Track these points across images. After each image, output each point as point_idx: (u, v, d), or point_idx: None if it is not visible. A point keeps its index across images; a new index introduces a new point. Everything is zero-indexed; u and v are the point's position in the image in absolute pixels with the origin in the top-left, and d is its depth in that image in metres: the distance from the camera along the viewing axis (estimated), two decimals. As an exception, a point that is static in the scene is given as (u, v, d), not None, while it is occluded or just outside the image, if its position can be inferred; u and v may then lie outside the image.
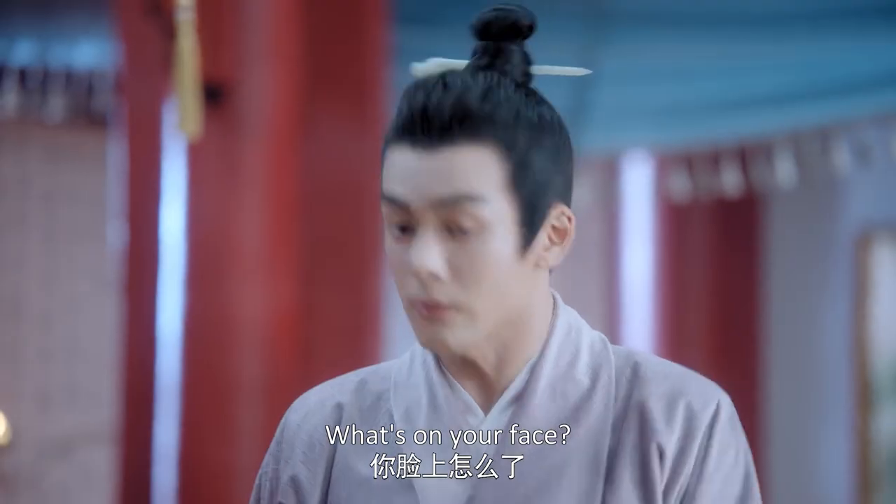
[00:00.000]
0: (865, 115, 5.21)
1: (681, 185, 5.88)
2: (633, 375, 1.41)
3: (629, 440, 1.39)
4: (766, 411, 6.35)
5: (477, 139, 1.35)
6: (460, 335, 1.37)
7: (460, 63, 1.41)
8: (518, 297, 1.39)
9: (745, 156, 5.71)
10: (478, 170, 1.35)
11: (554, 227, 1.40)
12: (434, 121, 1.35)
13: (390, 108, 4.23)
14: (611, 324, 6.50)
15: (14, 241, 5.89)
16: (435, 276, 1.35)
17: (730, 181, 5.69)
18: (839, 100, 5.05)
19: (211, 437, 3.46)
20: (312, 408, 1.46)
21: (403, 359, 1.47)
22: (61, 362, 5.92)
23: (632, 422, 1.39)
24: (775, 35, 4.72)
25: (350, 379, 1.48)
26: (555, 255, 1.40)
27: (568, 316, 1.44)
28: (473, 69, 1.40)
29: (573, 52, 4.66)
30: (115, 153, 4.08)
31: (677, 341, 6.28)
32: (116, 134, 4.09)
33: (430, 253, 1.35)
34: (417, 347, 1.46)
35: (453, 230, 1.35)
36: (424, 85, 1.37)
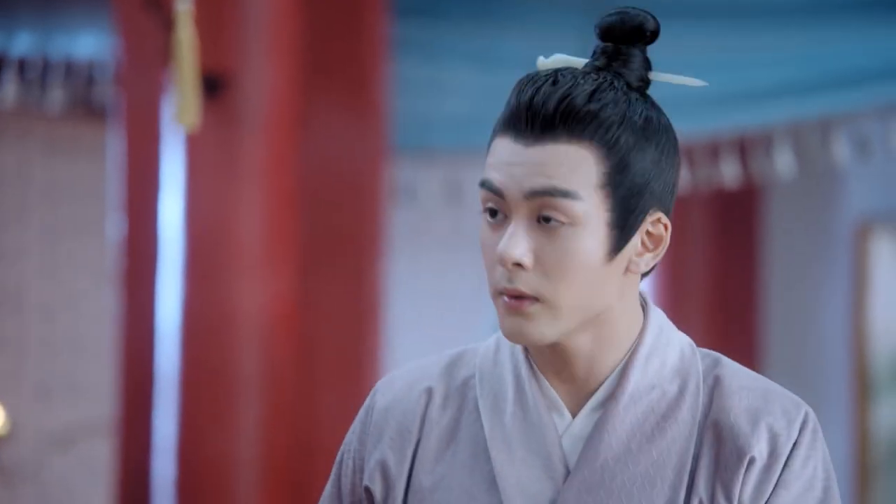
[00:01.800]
0: (865, 107, 5.20)
1: (680, 177, 5.87)
2: (716, 386, 1.41)
3: (712, 452, 1.38)
4: (766, 403, 6.34)
5: (578, 136, 1.36)
6: (542, 329, 1.36)
7: (582, 61, 1.42)
8: (603, 298, 1.38)
9: (745, 147, 5.71)
10: (575, 166, 1.35)
11: (649, 233, 1.40)
12: (538, 114, 1.36)
13: (389, 100, 4.23)
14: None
15: (14, 234, 5.89)
16: (521, 266, 1.36)
17: (729, 173, 5.69)
18: (839, 92, 5.04)
19: (210, 430, 3.46)
20: (400, 392, 1.45)
21: (488, 345, 1.46)
22: (61, 355, 5.93)
23: (714, 434, 1.39)
24: (775, 27, 4.71)
25: (437, 362, 1.47)
26: (646, 262, 1.40)
27: (658, 320, 1.44)
28: (589, 69, 1.40)
29: (573, 44, 4.65)
30: (115, 145, 4.08)
31: (677, 333, 6.28)
32: (115, 126, 4.09)
33: (518, 242, 1.36)
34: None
35: (544, 223, 1.36)
36: (535, 79, 1.38)
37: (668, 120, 1.41)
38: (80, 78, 5.15)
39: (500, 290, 1.37)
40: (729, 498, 1.37)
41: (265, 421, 3.48)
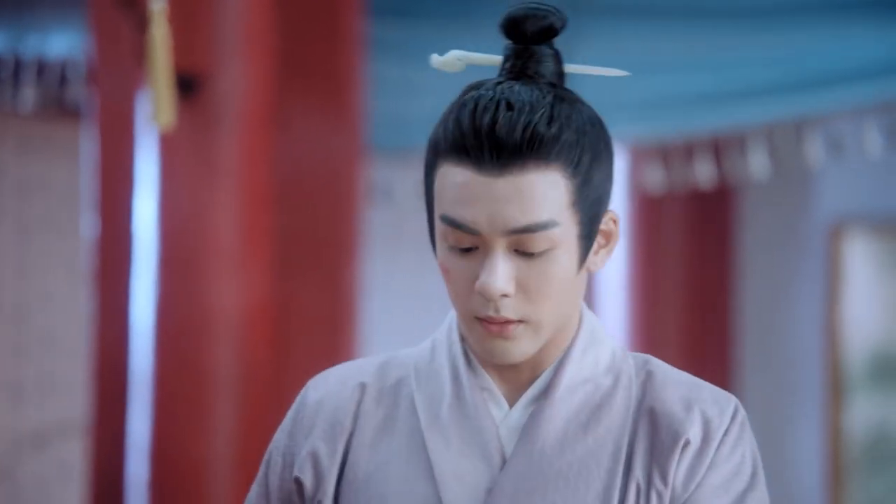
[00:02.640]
0: (839, 109, 5.23)
1: (655, 178, 5.89)
2: (648, 379, 1.44)
3: (648, 438, 1.41)
4: (740, 401, 6.36)
5: (545, 162, 1.35)
6: (524, 347, 1.39)
7: (481, 57, 1.41)
8: (574, 304, 1.42)
9: (719, 148, 5.73)
10: (547, 194, 1.36)
11: (601, 231, 1.43)
12: (504, 144, 1.33)
13: (365, 100, 4.22)
14: (585, 315, 6.51)
15: (-14, 233, 5.86)
16: (505, 296, 1.37)
17: (703, 173, 5.70)
18: (813, 93, 5.06)
19: (184, 430, 3.45)
20: (333, 387, 1.46)
21: (423, 346, 1.48)
22: (34, 354, 5.90)
23: (650, 420, 1.42)
24: (749, 28, 4.73)
25: (371, 361, 1.48)
26: (602, 259, 1.43)
27: (592, 320, 1.47)
28: (514, 77, 1.39)
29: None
30: (88, 144, 4.06)
31: (651, 332, 6.29)
32: (89, 125, 4.07)
33: (502, 275, 1.36)
34: (439, 335, 1.47)
35: (522, 251, 1.37)
36: (487, 105, 1.35)
37: (597, 112, 1.43)
38: (53, 77, 5.13)
39: (482, 318, 1.38)
40: (665, 480, 1.40)
41: (240, 421, 3.47)
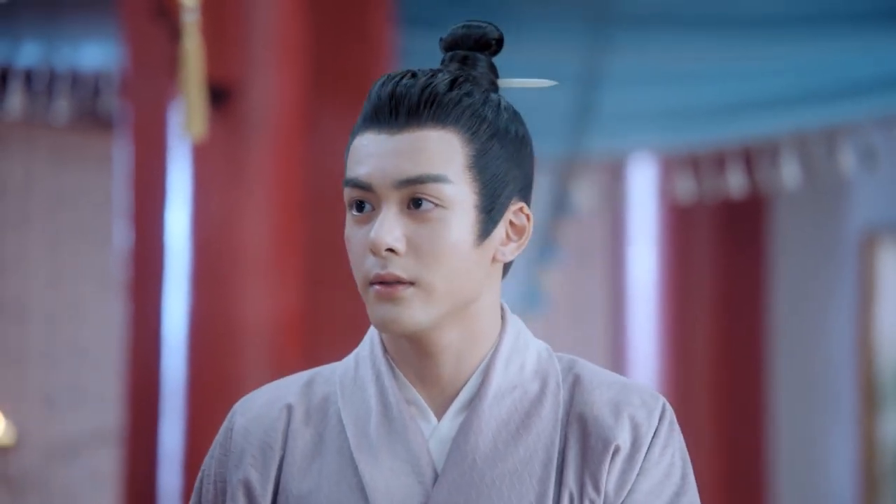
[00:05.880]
0: (871, 118, 5.20)
1: (686, 187, 5.88)
2: (576, 383, 1.44)
3: (578, 445, 1.41)
4: (772, 412, 6.34)
5: (442, 123, 1.39)
6: (415, 315, 1.39)
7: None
8: (473, 284, 1.40)
9: (750, 158, 5.71)
10: (442, 151, 1.38)
11: (512, 224, 1.43)
12: (402, 103, 1.39)
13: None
14: (616, 325, 6.49)
15: (19, 243, 5.89)
16: (394, 251, 1.38)
17: (735, 183, 5.69)
18: (844, 102, 5.05)
19: (216, 439, 3.46)
20: (260, 410, 1.46)
21: (347, 361, 1.48)
22: (66, 364, 5.93)
23: (580, 427, 1.41)
24: (780, 37, 4.72)
25: (295, 381, 1.48)
26: (511, 251, 1.43)
27: (516, 325, 1.47)
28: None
29: (578, 54, 4.65)
30: (121, 155, 4.08)
31: (683, 343, 6.27)
32: (122, 135, 4.10)
33: (391, 228, 1.38)
34: (362, 350, 1.47)
35: (414, 209, 1.39)
36: (392, 76, 1.42)
37: (520, 114, 1.46)
38: (87, 88, 5.16)
39: (373, 277, 1.39)
40: (597, 487, 1.40)
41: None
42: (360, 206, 1.42)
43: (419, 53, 4.55)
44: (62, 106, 5.14)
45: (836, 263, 6.36)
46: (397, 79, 1.40)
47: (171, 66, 3.31)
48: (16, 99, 5.09)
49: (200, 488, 1.47)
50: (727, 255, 6.38)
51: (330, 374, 1.46)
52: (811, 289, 6.45)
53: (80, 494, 5.90)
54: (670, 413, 1.44)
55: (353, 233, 1.42)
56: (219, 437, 1.48)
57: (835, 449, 6.26)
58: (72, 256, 5.93)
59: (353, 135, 1.44)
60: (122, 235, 4.00)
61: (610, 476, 1.40)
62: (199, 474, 1.47)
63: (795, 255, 6.49)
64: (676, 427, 1.44)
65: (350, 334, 4.16)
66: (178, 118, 3.34)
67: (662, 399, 1.44)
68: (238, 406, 1.48)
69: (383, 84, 1.41)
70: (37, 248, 5.91)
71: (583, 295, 6.68)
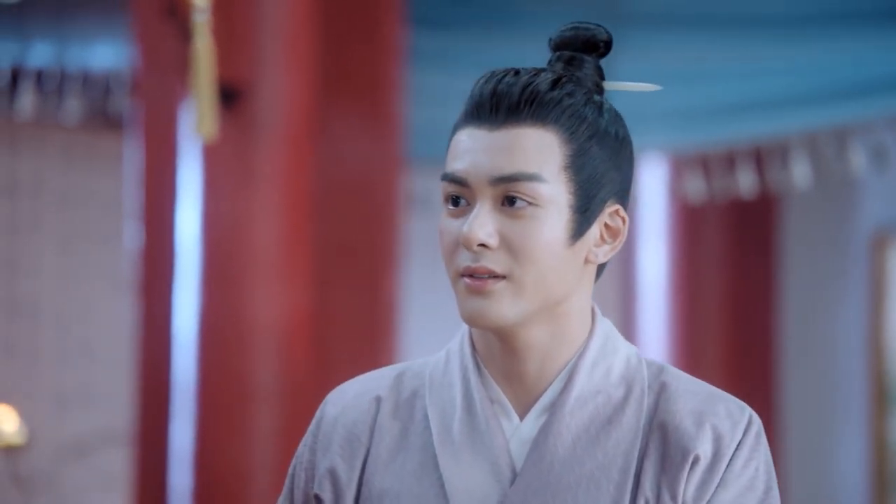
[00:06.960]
0: (881, 117, 5.20)
1: (696, 187, 5.87)
2: (662, 391, 1.43)
3: (658, 453, 1.41)
4: (782, 413, 6.33)
5: (542, 121, 1.40)
6: (503, 309, 1.39)
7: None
8: (564, 284, 1.41)
9: (761, 157, 5.71)
10: (539, 150, 1.39)
11: (607, 226, 1.43)
12: (502, 100, 1.40)
13: (405, 109, 4.23)
14: (626, 324, 6.49)
15: (30, 243, 5.90)
16: (486, 246, 1.39)
17: (745, 182, 5.68)
18: (855, 101, 5.04)
19: (226, 439, 3.47)
20: (350, 401, 1.47)
21: (439, 356, 1.48)
22: (77, 363, 5.94)
23: (661, 435, 1.41)
24: (790, 36, 4.71)
25: (387, 373, 1.49)
26: (604, 252, 1.43)
27: (605, 327, 1.46)
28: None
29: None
30: (131, 155, 4.09)
31: (693, 343, 6.27)
32: (132, 136, 4.10)
33: (484, 223, 1.38)
34: (454, 346, 1.47)
35: (508, 206, 1.39)
36: (495, 72, 1.42)
37: (622, 118, 1.46)
38: (97, 88, 5.17)
39: (464, 269, 1.39)
40: (674, 496, 1.39)
41: (281, 430, 3.48)
42: (455, 200, 1.41)
43: (429, 54, 4.55)
44: (73, 106, 5.14)
45: (846, 263, 6.35)
46: (500, 76, 1.41)
47: (181, 66, 3.32)
48: (27, 99, 5.10)
49: (293, 474, 1.48)
50: (737, 254, 6.37)
51: (420, 368, 1.47)
52: (821, 288, 6.44)
53: (90, 494, 5.91)
54: (757, 425, 1.43)
55: (447, 226, 1.41)
56: (311, 426, 1.49)
57: (845, 449, 6.25)
58: (82, 256, 5.94)
59: (454, 130, 1.44)
60: (132, 235, 4.01)
61: (688, 486, 1.39)
62: (293, 460, 1.49)
63: (806, 255, 6.48)
64: (763, 440, 1.43)
65: (358, 333, 4.18)
66: (189, 118, 3.34)
67: (750, 410, 1.43)
68: (330, 396, 1.49)
69: (486, 81, 1.42)
70: (47, 247, 5.93)
71: (593, 294, 6.68)
